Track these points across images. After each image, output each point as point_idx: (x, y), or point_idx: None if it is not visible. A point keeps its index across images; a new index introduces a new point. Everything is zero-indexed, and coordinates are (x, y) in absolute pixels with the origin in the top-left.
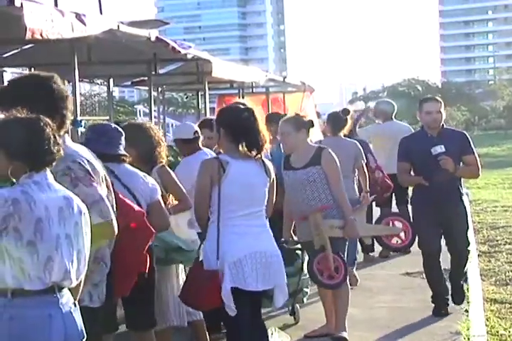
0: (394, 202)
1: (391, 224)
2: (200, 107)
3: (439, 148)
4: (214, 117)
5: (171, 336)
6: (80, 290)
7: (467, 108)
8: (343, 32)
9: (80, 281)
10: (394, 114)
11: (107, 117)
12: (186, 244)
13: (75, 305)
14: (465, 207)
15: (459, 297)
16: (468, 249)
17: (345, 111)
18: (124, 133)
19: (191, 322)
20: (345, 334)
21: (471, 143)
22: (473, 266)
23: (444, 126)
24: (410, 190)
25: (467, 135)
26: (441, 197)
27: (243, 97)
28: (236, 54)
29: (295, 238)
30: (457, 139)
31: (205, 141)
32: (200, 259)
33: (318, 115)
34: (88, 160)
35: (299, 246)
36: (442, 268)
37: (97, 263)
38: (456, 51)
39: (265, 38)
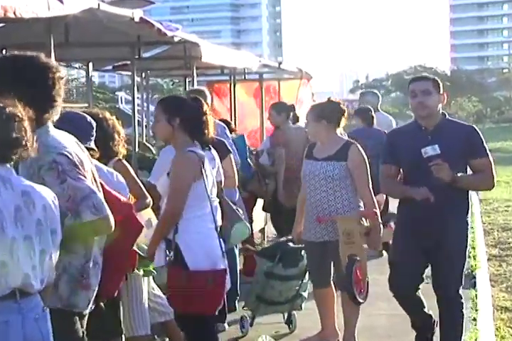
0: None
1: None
2: None
3: (431, 150)
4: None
5: None
6: (50, 293)
7: (478, 98)
8: (344, 15)
9: (49, 284)
10: (379, 105)
11: (86, 104)
12: (142, 249)
13: (44, 311)
14: (467, 233)
15: None
16: (459, 293)
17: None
18: (94, 125)
19: (164, 323)
20: None
21: (483, 141)
22: (482, 271)
23: (447, 116)
24: None
25: (477, 130)
26: (435, 216)
27: (234, 84)
28: (227, 37)
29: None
30: (463, 135)
31: None
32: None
33: None
34: (75, 153)
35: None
36: None
37: (93, 266)
38: (468, 36)
39: (259, 19)
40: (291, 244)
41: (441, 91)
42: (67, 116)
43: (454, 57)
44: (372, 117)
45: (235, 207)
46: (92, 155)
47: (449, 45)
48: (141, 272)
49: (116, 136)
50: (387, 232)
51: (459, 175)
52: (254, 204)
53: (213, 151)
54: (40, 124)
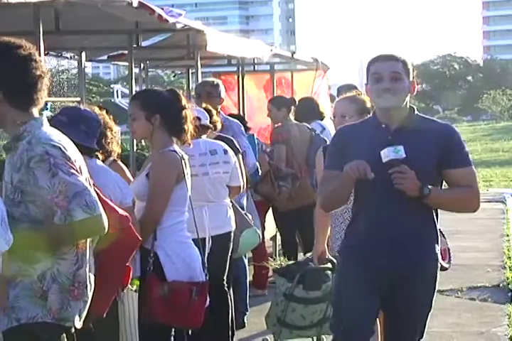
0: None
1: None
2: (190, 87)
3: (393, 152)
4: None
5: None
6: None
7: None
8: None
9: None
10: None
11: (78, 98)
12: None
13: None
14: (436, 270)
15: None
16: None
17: None
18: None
19: None
20: None
21: (465, 145)
22: None
23: (415, 111)
24: None
25: (456, 130)
26: (394, 245)
27: (243, 76)
28: (235, 23)
29: (328, 255)
30: (437, 137)
31: None
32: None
33: (333, 99)
34: (70, 149)
35: (329, 265)
36: None
37: (86, 275)
38: (503, 21)
39: (270, 4)
40: (312, 264)
41: (412, 77)
42: (81, 115)
43: (486, 45)
44: None
45: (243, 213)
46: (96, 156)
47: (481, 31)
48: (134, 287)
49: (108, 133)
50: None
51: (431, 187)
52: (268, 209)
53: (230, 153)
54: (27, 116)
